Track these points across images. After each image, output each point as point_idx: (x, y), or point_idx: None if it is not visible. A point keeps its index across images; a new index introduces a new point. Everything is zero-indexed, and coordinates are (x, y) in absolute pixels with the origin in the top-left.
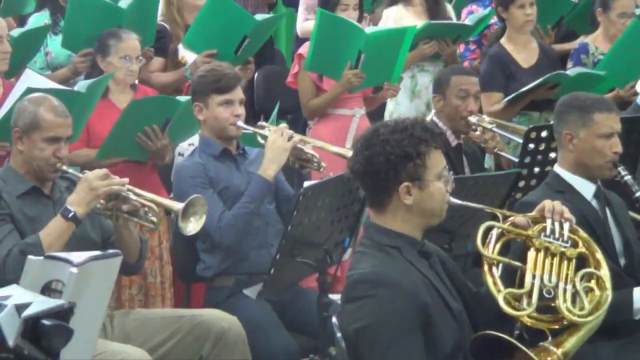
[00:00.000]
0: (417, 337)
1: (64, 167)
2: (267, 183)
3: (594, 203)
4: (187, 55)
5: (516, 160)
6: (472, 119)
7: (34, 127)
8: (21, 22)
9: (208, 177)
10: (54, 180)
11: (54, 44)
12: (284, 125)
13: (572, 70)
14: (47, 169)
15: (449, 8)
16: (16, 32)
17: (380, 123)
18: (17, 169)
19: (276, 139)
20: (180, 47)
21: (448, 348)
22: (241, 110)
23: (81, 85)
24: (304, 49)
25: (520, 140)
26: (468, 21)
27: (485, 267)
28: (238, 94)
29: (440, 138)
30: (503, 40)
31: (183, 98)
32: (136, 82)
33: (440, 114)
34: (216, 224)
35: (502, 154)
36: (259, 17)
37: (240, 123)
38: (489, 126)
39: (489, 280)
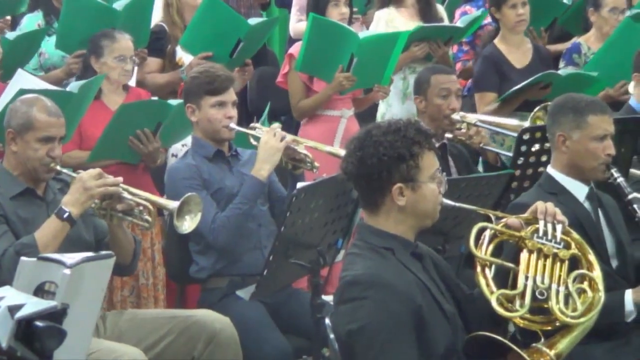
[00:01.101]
0: (410, 339)
1: (58, 167)
2: (261, 183)
3: (587, 205)
4: (184, 57)
5: (503, 152)
6: (455, 116)
7: (27, 127)
8: (14, 22)
9: (202, 178)
10: (48, 181)
11: (48, 45)
12: (276, 125)
13: (563, 71)
14: (41, 169)
15: (441, 9)
16: (12, 35)
17: (374, 124)
18: (11, 170)
19: (269, 140)
20: (178, 48)
21: (440, 350)
22: (234, 112)
23: (73, 86)
24: (295, 48)
25: (508, 133)
26: (460, 23)
27: (478, 269)
28: (231, 95)
29: (433, 139)
30: (497, 41)
31: (174, 101)
32: (132, 83)
33: (422, 115)
34: (210, 225)
35: (488, 148)
36: (252, 21)
37: (233, 125)
38: (473, 121)
39: (482, 281)
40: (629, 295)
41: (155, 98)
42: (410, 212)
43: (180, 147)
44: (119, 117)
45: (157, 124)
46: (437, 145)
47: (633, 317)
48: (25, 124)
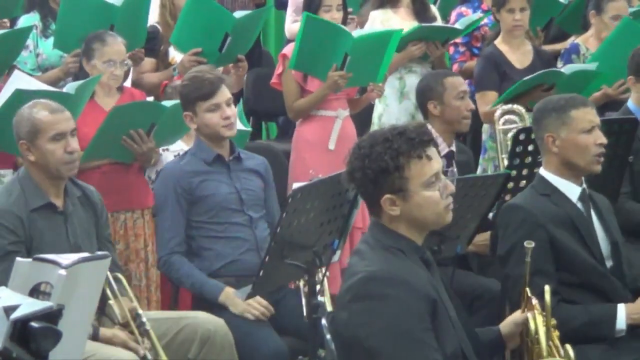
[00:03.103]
0: (431, 334)
1: (78, 162)
2: (215, 299)
3: (579, 205)
4: (177, 56)
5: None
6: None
7: (36, 132)
8: (12, 24)
9: (189, 186)
10: (67, 189)
11: (45, 45)
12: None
13: (566, 68)
14: (64, 168)
15: (434, 10)
16: None
17: (371, 133)
18: (34, 178)
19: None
20: (171, 49)
21: (449, 350)
22: (230, 111)
23: (70, 86)
24: (288, 49)
25: None
26: (459, 25)
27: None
28: (223, 95)
29: (428, 145)
30: (497, 41)
31: (168, 103)
32: (128, 83)
33: (434, 120)
34: (165, 253)
35: None
36: (238, 14)
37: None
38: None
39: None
40: (622, 311)
41: (151, 98)
42: (408, 221)
43: (160, 151)
44: (112, 119)
45: (150, 125)
46: (443, 152)
47: (622, 335)
48: (32, 130)
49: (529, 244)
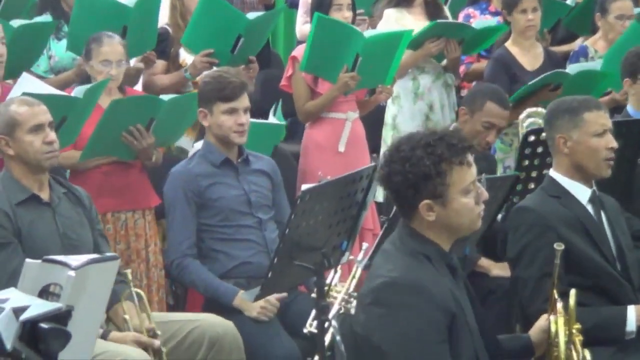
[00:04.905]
0: (446, 347)
1: (57, 153)
2: (229, 302)
3: (590, 207)
4: (188, 58)
5: None
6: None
7: (13, 125)
8: None
9: (198, 189)
10: (51, 184)
11: (57, 47)
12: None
13: (571, 68)
14: (43, 157)
15: (447, 11)
16: (16, 22)
17: (409, 135)
18: (14, 175)
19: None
20: (182, 50)
21: (463, 359)
22: (245, 119)
23: (78, 91)
24: (298, 51)
25: None
26: (475, 25)
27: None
28: (243, 102)
29: (468, 151)
30: (508, 44)
31: (166, 97)
32: (139, 86)
33: (460, 125)
34: (175, 257)
35: None
36: (251, 15)
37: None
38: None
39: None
40: (632, 312)
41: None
42: (442, 226)
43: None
44: (110, 113)
45: (149, 120)
46: None
47: (632, 337)
48: (10, 123)
49: (559, 246)
